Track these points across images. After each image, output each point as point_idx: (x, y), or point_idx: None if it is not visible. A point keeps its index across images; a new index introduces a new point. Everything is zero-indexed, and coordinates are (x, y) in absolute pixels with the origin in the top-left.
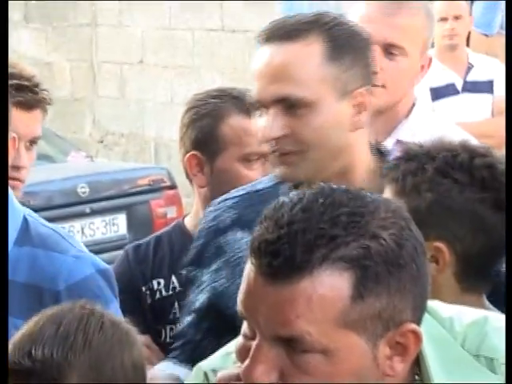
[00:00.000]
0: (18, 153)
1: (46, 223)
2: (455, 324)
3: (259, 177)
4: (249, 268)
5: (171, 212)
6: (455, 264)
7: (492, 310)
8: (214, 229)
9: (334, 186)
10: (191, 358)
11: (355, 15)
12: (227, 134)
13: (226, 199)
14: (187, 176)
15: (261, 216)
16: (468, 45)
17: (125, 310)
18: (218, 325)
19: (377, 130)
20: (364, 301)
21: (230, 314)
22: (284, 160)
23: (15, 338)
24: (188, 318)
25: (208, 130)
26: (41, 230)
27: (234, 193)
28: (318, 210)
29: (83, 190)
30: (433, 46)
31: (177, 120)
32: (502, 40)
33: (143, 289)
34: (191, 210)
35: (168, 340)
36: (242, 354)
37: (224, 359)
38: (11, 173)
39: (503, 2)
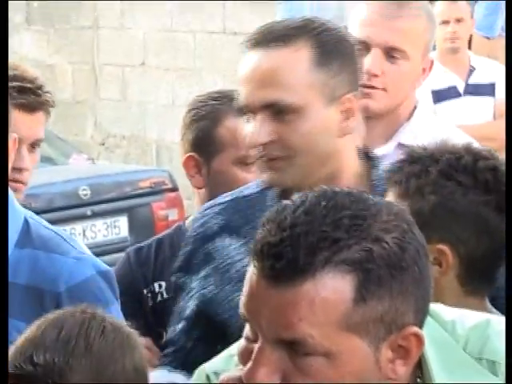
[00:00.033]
0: (20, 155)
1: (48, 225)
2: (457, 327)
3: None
4: (251, 271)
5: (173, 214)
6: (458, 267)
7: (494, 313)
8: (201, 235)
9: (337, 189)
10: (183, 365)
11: (356, 18)
12: (224, 136)
13: (213, 205)
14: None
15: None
16: (470, 47)
17: (126, 313)
18: (208, 332)
19: (378, 133)
20: (366, 304)
21: (219, 321)
22: (271, 165)
23: (17, 342)
24: (179, 326)
25: (205, 131)
26: (42, 232)
27: (221, 199)
28: (321, 213)
29: (85, 193)
30: (434, 48)
31: (178, 122)
32: (504, 42)
33: (144, 291)
34: (192, 212)
35: None
36: (245, 356)
37: (226, 361)
38: (13, 175)
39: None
